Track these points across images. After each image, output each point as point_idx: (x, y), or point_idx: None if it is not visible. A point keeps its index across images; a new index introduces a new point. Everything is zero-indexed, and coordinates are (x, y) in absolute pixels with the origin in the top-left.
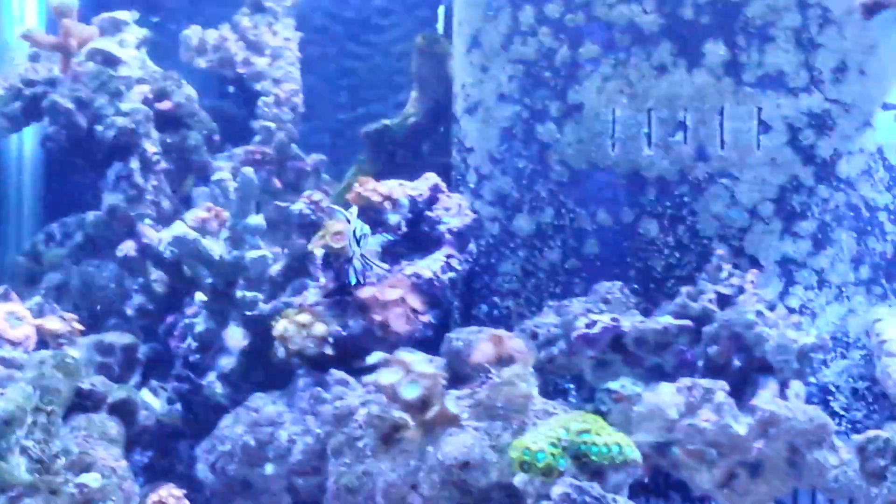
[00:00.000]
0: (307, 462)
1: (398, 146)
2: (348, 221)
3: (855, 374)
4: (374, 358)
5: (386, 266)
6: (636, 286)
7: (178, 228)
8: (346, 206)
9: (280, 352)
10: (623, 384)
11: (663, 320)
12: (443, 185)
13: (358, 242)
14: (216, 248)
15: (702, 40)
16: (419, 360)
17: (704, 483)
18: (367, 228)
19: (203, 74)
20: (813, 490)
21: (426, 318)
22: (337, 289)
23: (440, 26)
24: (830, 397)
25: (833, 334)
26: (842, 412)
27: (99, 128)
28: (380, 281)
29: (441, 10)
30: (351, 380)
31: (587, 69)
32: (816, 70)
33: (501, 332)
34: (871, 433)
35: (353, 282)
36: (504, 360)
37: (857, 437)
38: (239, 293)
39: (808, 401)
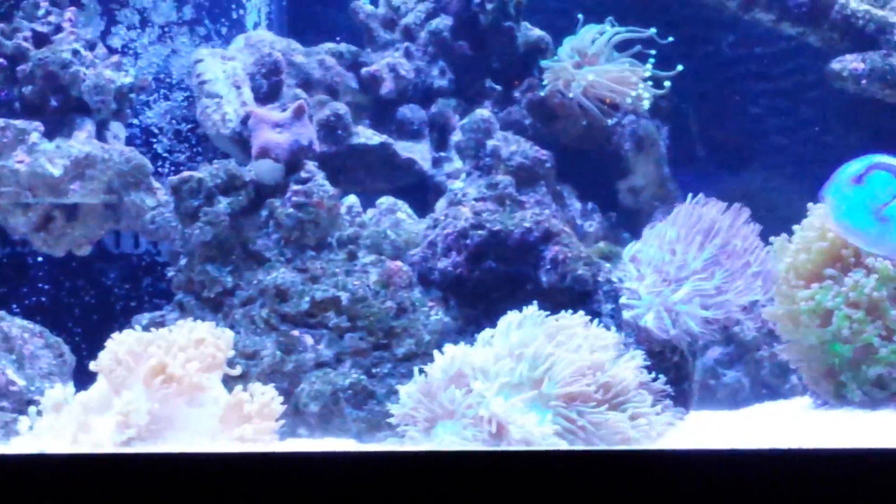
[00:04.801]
0: None
1: None
2: None
3: (178, 116)
4: None
5: None
6: None
7: None
8: None
9: None
10: None
11: None
12: None
13: None
14: None
15: None
16: None
17: (20, 227)
18: None
19: None
20: (136, 233)
21: None
22: None
23: None
24: (154, 139)
25: (156, 75)
26: (165, 154)
27: None
28: None
29: None
30: None
31: None
32: None
33: None
34: (186, 174)
35: None
36: None
37: (172, 179)
38: None
39: (131, 143)
